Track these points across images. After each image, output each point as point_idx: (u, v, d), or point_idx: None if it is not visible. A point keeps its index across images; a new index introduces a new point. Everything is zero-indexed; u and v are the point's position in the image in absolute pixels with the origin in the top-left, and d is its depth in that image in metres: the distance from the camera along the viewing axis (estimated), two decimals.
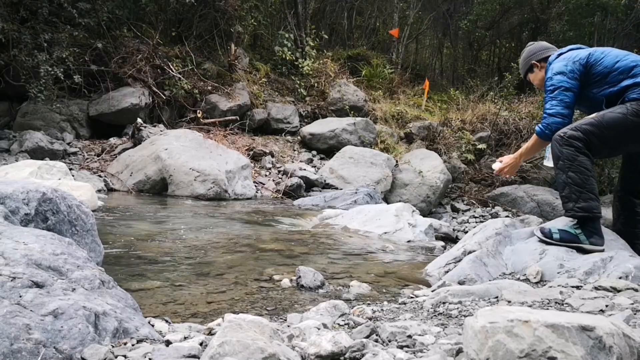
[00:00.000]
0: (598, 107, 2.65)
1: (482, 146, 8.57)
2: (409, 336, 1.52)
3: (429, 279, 2.71)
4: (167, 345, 1.38)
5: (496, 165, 3.06)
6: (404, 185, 7.38)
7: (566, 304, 1.87)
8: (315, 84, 9.55)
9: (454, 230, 4.75)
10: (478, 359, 1.10)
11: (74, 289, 1.45)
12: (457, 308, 1.92)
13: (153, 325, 1.62)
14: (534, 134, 2.81)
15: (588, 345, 1.05)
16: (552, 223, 2.81)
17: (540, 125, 2.74)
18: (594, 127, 2.51)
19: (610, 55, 2.68)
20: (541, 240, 2.64)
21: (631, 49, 9.11)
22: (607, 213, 7.41)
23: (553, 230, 2.61)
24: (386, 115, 9.51)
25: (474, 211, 7.47)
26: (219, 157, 6.05)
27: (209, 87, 8.21)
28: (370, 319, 1.85)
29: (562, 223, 2.70)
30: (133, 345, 1.36)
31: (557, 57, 2.83)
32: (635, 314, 1.68)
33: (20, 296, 1.30)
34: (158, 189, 5.76)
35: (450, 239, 4.34)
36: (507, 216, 6.93)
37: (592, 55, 2.69)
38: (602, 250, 2.49)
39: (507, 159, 3.03)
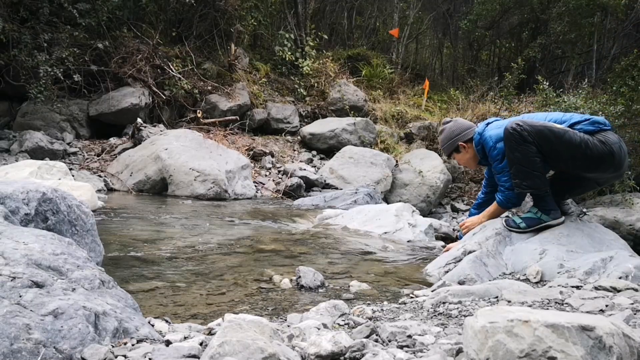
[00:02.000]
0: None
1: None
2: (409, 336, 1.52)
3: (429, 279, 2.71)
4: (167, 345, 1.38)
5: (461, 220, 3.39)
6: (404, 185, 7.38)
7: (566, 304, 1.87)
8: (315, 84, 9.55)
9: (454, 230, 4.75)
10: (478, 359, 1.10)
11: (74, 289, 1.45)
12: (457, 308, 1.92)
13: (153, 325, 1.62)
14: (495, 202, 3.04)
15: (588, 345, 1.05)
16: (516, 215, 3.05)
17: (500, 196, 2.97)
18: (551, 135, 2.59)
19: (539, 114, 2.89)
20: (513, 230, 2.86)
21: (631, 49, 9.13)
22: (606, 213, 7.37)
23: (517, 221, 2.85)
24: (386, 115, 9.50)
25: None
26: (219, 157, 6.05)
27: (209, 87, 8.21)
28: (370, 318, 1.85)
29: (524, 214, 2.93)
30: (133, 345, 1.36)
31: (487, 126, 3.01)
32: (635, 314, 1.68)
33: (20, 296, 1.30)
34: (158, 189, 5.76)
35: (450, 239, 4.33)
36: (507, 216, 6.92)
37: (524, 118, 2.85)
38: (563, 222, 2.78)
39: (475, 218, 3.19)
